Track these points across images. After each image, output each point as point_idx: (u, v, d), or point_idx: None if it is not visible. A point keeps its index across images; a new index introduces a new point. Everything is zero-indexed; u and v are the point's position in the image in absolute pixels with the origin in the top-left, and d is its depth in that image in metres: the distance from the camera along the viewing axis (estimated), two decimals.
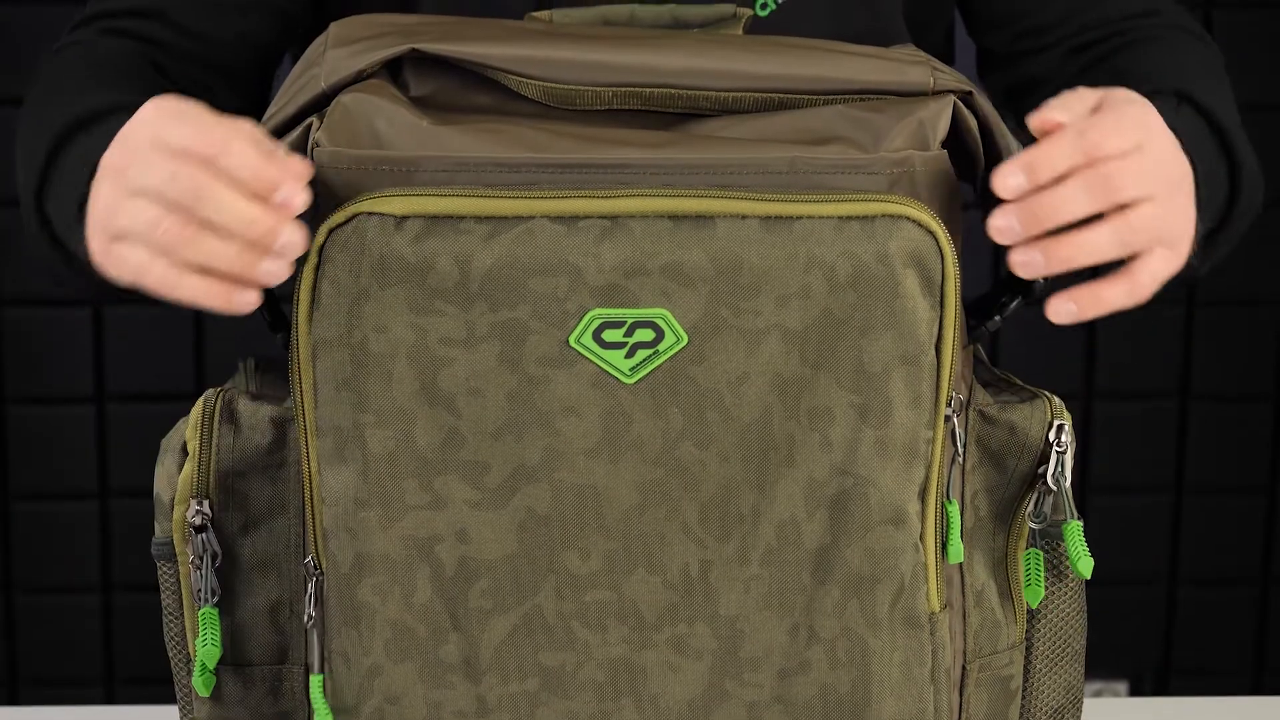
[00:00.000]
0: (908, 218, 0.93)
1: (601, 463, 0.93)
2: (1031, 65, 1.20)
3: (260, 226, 0.90)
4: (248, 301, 0.92)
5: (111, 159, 0.95)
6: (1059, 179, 0.93)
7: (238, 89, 1.18)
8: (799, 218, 0.92)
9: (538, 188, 0.93)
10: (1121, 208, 0.94)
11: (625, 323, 0.92)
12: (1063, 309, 0.96)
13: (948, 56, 1.22)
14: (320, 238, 0.92)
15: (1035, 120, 0.95)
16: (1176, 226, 0.98)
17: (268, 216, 0.90)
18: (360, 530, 0.94)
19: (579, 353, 0.92)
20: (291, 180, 0.90)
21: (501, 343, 0.92)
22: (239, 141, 0.91)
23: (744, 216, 0.92)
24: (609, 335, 0.92)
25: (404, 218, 0.91)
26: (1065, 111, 0.95)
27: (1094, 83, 1.05)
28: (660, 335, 0.92)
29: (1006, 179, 0.92)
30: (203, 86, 1.15)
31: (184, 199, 0.90)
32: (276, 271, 0.91)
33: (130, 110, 0.97)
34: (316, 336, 0.93)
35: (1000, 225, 0.93)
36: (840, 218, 0.92)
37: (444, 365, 0.92)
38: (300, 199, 0.90)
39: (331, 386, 0.93)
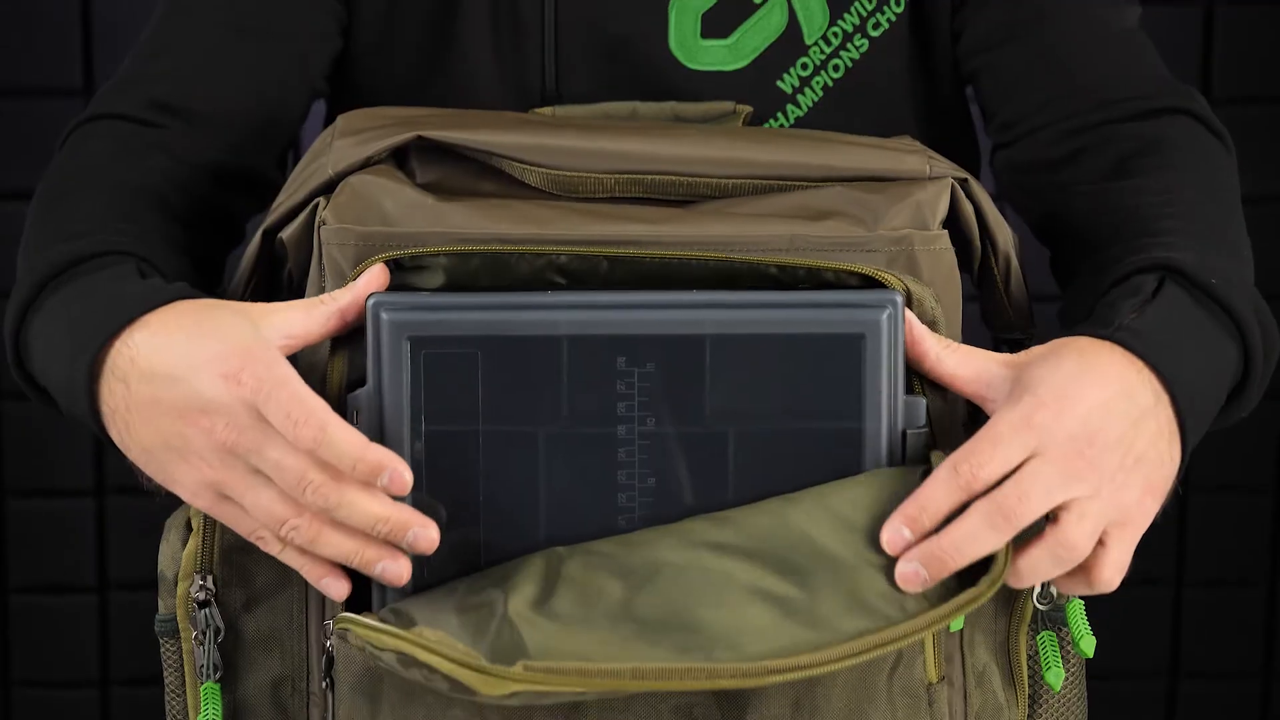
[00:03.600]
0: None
1: None
2: (1024, 150, 1.15)
3: (389, 525, 0.90)
4: (342, 590, 0.92)
5: (194, 419, 0.89)
6: (958, 514, 0.89)
7: (255, 193, 1.14)
8: None
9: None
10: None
11: None
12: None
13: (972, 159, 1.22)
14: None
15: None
16: (1119, 507, 0.91)
17: (397, 513, 0.90)
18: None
19: None
20: (392, 463, 0.88)
21: None
22: (332, 427, 0.87)
23: None
24: None
25: None
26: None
27: (1092, 185, 1.06)
28: None
29: (891, 535, 0.89)
30: (219, 199, 1.11)
31: (314, 506, 0.89)
32: (398, 571, 0.91)
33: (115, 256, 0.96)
34: None
35: (905, 572, 0.89)
36: None
37: None
38: (406, 478, 0.88)
39: None
